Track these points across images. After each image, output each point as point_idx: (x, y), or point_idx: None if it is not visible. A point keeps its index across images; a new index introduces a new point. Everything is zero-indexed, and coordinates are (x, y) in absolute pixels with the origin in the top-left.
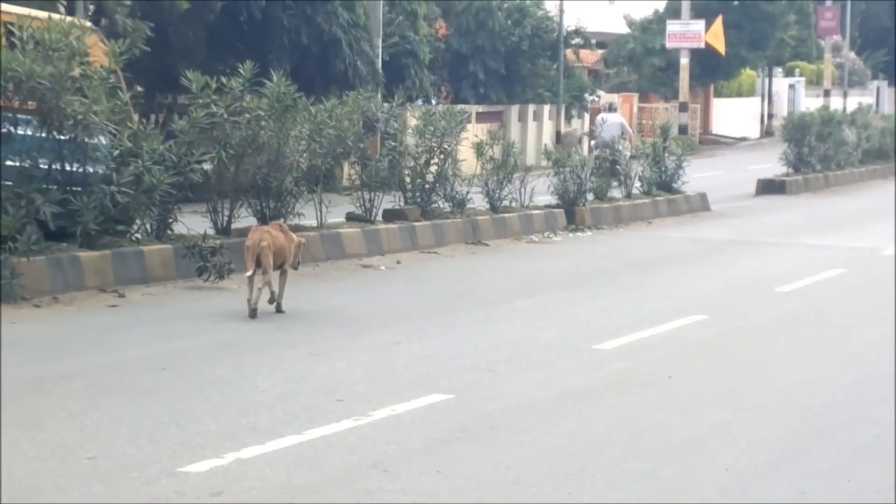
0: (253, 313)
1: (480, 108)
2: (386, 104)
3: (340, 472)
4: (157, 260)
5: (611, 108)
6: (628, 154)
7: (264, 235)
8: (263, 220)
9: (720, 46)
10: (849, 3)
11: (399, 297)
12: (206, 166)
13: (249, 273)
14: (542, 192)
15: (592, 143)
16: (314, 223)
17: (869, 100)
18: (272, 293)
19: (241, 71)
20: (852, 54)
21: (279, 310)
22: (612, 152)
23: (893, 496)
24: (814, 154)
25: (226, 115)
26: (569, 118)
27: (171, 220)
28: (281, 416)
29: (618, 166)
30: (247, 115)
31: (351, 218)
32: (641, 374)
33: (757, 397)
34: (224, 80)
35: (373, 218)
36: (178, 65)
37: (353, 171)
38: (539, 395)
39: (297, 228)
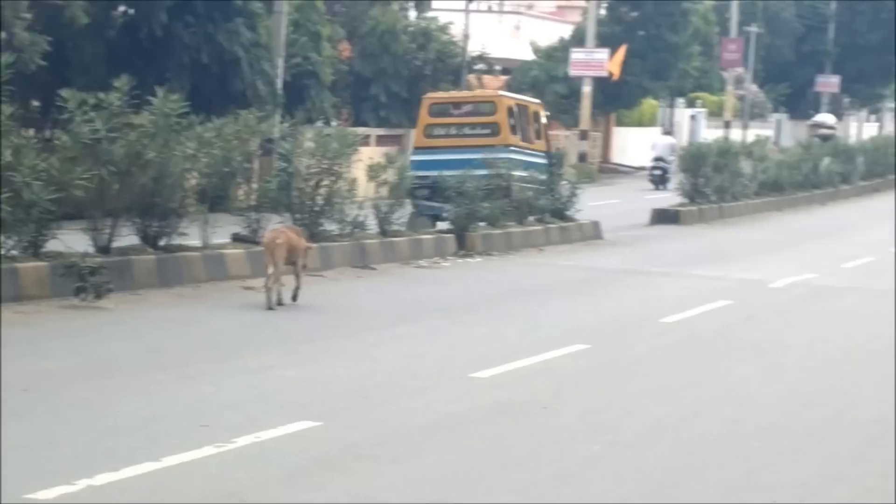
0: (278, 302)
1: (381, 131)
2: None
3: (194, 502)
4: (31, 278)
5: (665, 132)
6: (673, 167)
7: (279, 235)
8: (146, 240)
9: (615, 71)
10: (752, 36)
11: (277, 321)
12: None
13: (269, 269)
14: None
15: (651, 157)
16: (198, 243)
17: (769, 132)
18: (271, 289)
19: (117, 85)
20: (754, 87)
21: (294, 298)
22: (664, 165)
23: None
24: (709, 185)
25: (104, 132)
26: None
27: (47, 237)
28: (140, 442)
29: (667, 175)
30: (132, 132)
31: (237, 239)
32: (517, 404)
33: (632, 430)
34: (102, 95)
35: (259, 239)
36: (77, 81)
37: (249, 192)
38: (410, 423)
39: (179, 248)
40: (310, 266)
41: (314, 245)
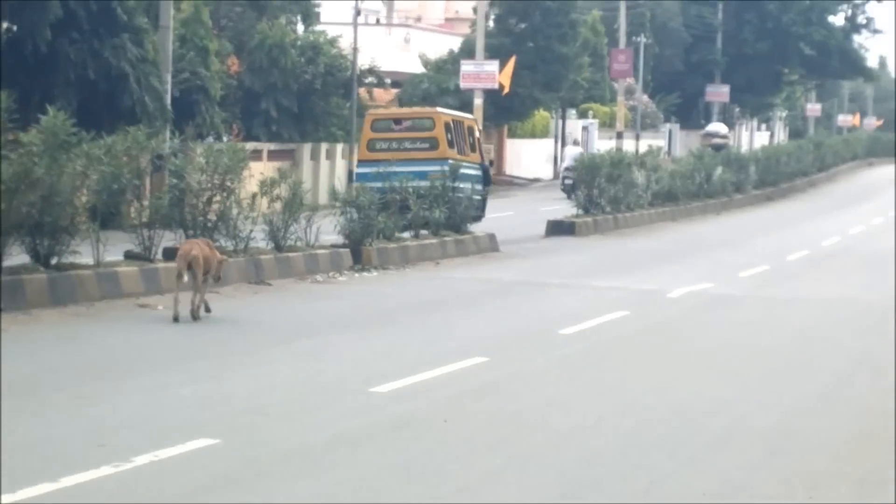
0: (176, 318)
1: (272, 146)
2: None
3: None
4: None
5: (575, 143)
6: None
7: (195, 247)
8: (37, 259)
9: (506, 84)
10: (642, 47)
11: (173, 338)
12: None
13: (185, 277)
14: (329, 231)
15: (562, 165)
16: (90, 261)
17: (661, 142)
18: (199, 297)
19: None
20: (645, 97)
21: (207, 310)
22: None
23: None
24: (604, 196)
25: None
26: None
27: None
28: (37, 462)
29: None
30: (20, 151)
31: (130, 256)
32: (418, 419)
33: (533, 443)
34: None
35: (152, 256)
36: None
37: (141, 209)
38: (310, 439)
39: (71, 267)
40: (223, 279)
41: (227, 258)
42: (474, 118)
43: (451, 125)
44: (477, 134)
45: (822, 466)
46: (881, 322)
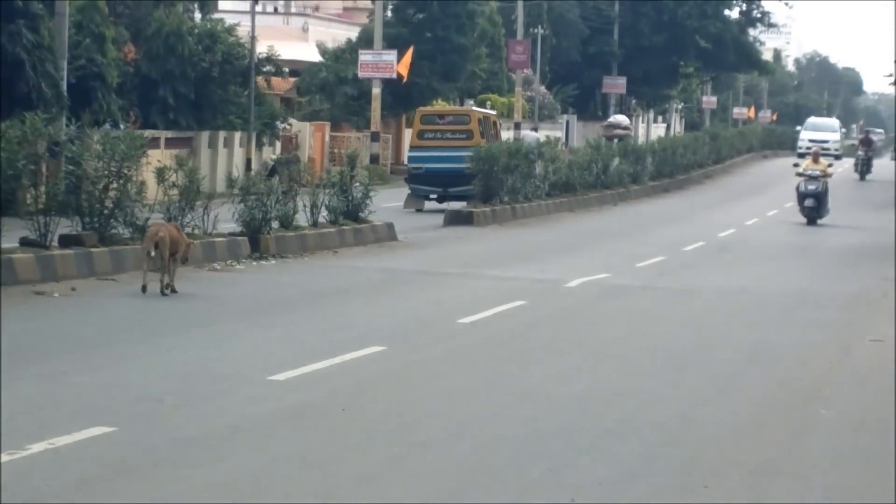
0: (144, 289)
1: (170, 134)
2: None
3: None
4: None
5: (532, 129)
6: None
7: (161, 228)
8: None
9: (404, 73)
10: (539, 38)
11: (70, 326)
12: None
13: (152, 254)
14: (227, 219)
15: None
16: None
17: (559, 133)
18: (166, 276)
19: None
20: (543, 88)
21: (174, 290)
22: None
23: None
24: (502, 186)
25: None
26: (260, 146)
27: None
28: None
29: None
30: None
31: (25, 243)
32: (316, 407)
33: (431, 431)
34: None
35: (48, 243)
36: None
37: (37, 196)
38: (207, 427)
39: None
40: (191, 261)
41: (194, 242)
42: (496, 114)
43: (482, 120)
44: (498, 127)
45: (717, 455)
46: (775, 313)
